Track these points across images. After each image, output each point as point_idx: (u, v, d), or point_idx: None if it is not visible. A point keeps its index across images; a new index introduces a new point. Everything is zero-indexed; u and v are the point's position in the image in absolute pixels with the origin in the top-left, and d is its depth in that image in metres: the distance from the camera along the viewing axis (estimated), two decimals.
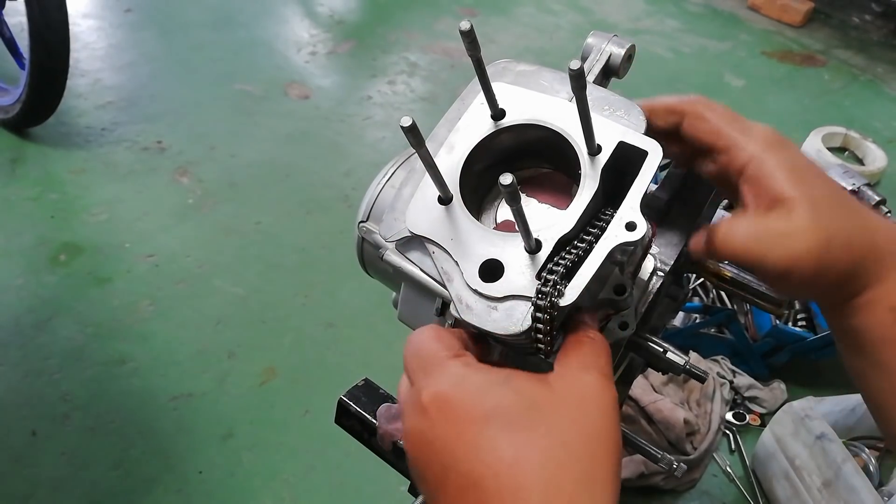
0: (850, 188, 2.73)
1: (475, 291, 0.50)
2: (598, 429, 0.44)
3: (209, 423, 1.78)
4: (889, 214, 2.72)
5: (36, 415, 1.74)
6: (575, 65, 0.45)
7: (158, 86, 2.87)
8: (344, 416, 0.74)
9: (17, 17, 2.47)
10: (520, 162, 0.60)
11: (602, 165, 0.52)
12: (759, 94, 3.52)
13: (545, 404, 0.44)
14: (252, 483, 1.68)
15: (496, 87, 0.55)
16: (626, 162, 0.53)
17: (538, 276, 0.49)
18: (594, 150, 0.53)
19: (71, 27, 2.26)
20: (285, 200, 2.44)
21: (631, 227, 0.49)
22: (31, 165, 2.43)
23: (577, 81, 0.46)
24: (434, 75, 3.21)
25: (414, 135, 0.47)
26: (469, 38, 0.48)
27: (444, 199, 0.54)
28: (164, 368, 1.88)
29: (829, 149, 3.07)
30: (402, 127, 0.47)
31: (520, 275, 0.50)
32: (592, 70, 0.61)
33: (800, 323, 2.06)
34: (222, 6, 3.47)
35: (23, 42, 2.34)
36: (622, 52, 0.62)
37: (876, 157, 3.07)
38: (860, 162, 3.13)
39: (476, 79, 0.54)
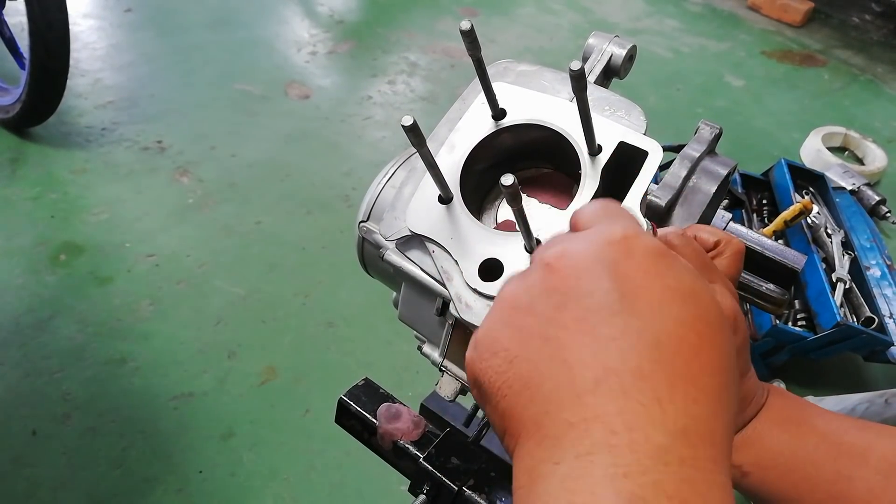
0: (849, 188, 2.73)
1: (475, 290, 0.50)
2: None
3: (209, 423, 1.78)
4: (889, 214, 2.72)
5: (36, 415, 1.74)
6: (576, 65, 0.45)
7: (158, 86, 2.87)
8: (344, 416, 0.74)
9: (17, 17, 2.47)
10: (521, 162, 0.60)
11: (602, 165, 0.52)
12: (758, 94, 3.52)
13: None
14: (252, 483, 1.68)
15: (497, 86, 0.55)
16: (626, 162, 0.53)
17: None
18: (595, 150, 0.53)
19: (71, 27, 2.26)
20: (285, 200, 2.44)
21: None
22: (31, 165, 2.42)
23: (578, 82, 0.46)
24: (434, 75, 3.21)
25: (415, 134, 0.47)
26: (469, 37, 0.49)
27: (445, 199, 0.54)
28: (165, 368, 1.88)
29: (829, 149, 3.08)
30: (403, 126, 0.47)
31: None
32: (594, 70, 0.61)
33: (800, 323, 2.06)
34: (222, 6, 3.47)
35: (23, 42, 2.34)
36: (623, 52, 0.62)
37: (876, 157, 3.08)
38: (860, 162, 3.14)
39: (477, 79, 0.54)
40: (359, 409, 0.73)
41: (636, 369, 0.34)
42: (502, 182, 0.43)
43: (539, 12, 3.92)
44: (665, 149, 0.57)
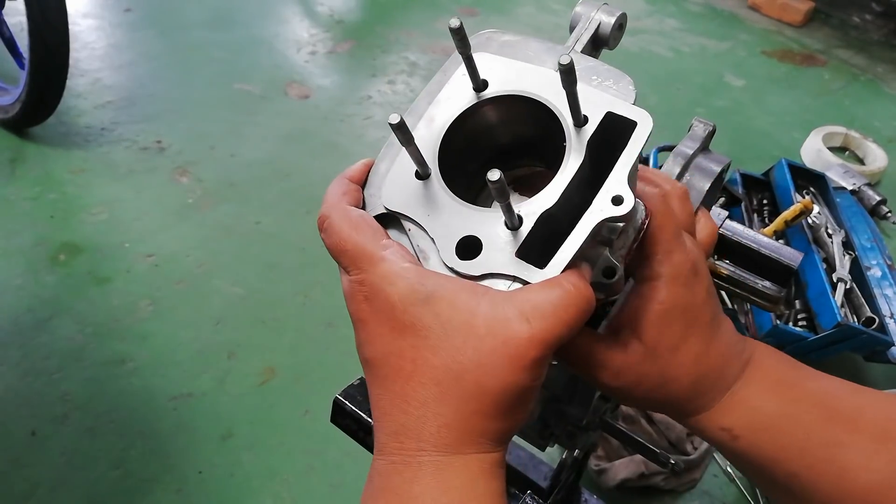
0: (850, 188, 2.73)
1: (452, 270, 0.48)
2: (503, 381, 0.44)
3: (209, 423, 1.78)
4: (889, 214, 2.71)
5: (36, 415, 1.74)
6: (565, 59, 0.44)
7: (158, 85, 2.87)
8: (339, 415, 0.74)
9: (17, 17, 2.47)
10: (515, 161, 0.60)
11: (588, 137, 0.49)
12: (759, 94, 3.51)
13: (459, 333, 0.45)
14: (252, 483, 1.68)
15: (479, 57, 0.53)
16: (614, 135, 0.50)
17: (518, 254, 0.47)
18: (580, 121, 0.50)
19: (71, 27, 2.26)
20: (285, 200, 2.44)
21: (618, 200, 0.46)
22: (31, 165, 2.43)
23: (568, 76, 0.45)
24: (434, 74, 3.21)
25: (402, 132, 0.47)
26: (459, 35, 0.48)
27: (422, 174, 0.52)
28: (164, 368, 1.88)
29: (830, 148, 3.07)
30: (390, 124, 0.46)
31: (499, 252, 0.47)
32: (581, 39, 0.58)
33: (800, 323, 2.06)
34: (222, 6, 3.48)
35: (23, 42, 2.34)
36: (612, 20, 0.58)
37: (876, 157, 3.07)
38: (861, 162, 3.13)
39: (456, 51, 0.52)
40: (354, 408, 0.73)
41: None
42: (489, 178, 0.42)
43: (539, 12, 3.92)
44: (663, 149, 0.56)
